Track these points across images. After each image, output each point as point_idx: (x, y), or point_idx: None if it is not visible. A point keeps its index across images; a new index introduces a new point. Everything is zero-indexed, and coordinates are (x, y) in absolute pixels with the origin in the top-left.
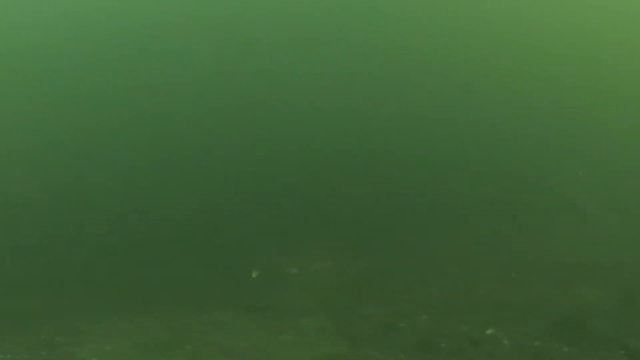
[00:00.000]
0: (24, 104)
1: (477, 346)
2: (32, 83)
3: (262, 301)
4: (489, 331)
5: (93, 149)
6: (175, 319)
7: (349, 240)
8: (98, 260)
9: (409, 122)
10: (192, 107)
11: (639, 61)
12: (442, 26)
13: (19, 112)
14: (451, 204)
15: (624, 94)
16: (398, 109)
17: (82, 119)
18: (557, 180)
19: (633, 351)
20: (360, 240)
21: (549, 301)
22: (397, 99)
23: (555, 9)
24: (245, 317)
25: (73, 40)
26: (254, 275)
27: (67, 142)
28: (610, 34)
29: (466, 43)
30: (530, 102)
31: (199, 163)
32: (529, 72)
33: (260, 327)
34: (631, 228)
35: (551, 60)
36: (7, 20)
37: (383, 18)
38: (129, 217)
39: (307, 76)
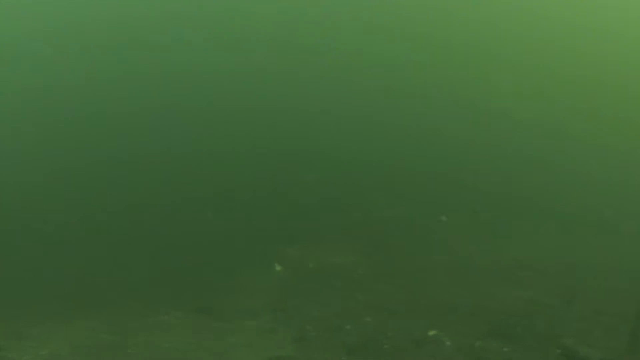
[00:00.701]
0: None
1: (420, 347)
2: None
3: (210, 303)
4: (432, 332)
5: (37, 150)
6: (118, 321)
7: (296, 242)
8: (40, 262)
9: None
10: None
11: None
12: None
13: None
14: (399, 206)
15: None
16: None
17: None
18: (505, 181)
19: (569, 350)
20: (309, 242)
21: (491, 302)
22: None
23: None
24: (192, 319)
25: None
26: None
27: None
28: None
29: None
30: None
31: (137, 164)
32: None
33: (206, 329)
34: (572, 230)
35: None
36: None
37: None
38: (71, 217)
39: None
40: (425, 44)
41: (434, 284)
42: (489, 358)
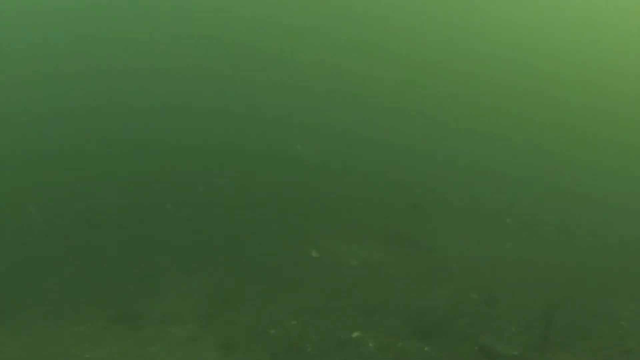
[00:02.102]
0: None
1: (343, 349)
2: None
3: (134, 310)
4: (356, 334)
5: None
6: (32, 333)
7: (223, 251)
8: None
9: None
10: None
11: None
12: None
13: None
14: (316, 211)
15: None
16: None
17: None
18: (429, 181)
19: (486, 347)
20: (234, 250)
21: (415, 302)
22: None
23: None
24: (114, 328)
25: None
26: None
27: None
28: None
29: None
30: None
31: (53, 167)
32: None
33: (129, 338)
34: (490, 233)
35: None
36: None
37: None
38: None
39: None
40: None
41: (360, 286)
42: (410, 358)
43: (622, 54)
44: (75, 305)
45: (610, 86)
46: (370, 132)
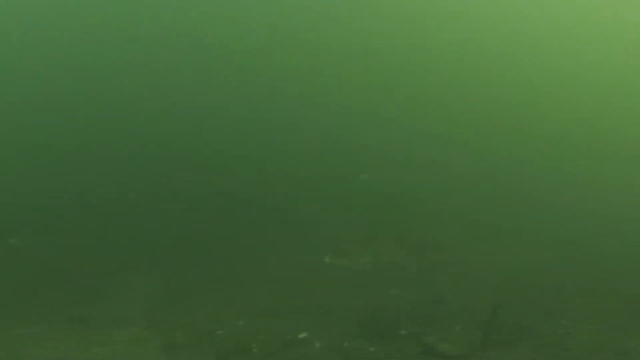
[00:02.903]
0: None
1: (289, 349)
2: None
3: (80, 312)
4: (302, 334)
5: None
6: None
7: (171, 250)
8: None
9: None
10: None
11: None
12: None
13: None
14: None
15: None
16: None
17: None
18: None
19: (429, 347)
20: (182, 249)
21: (363, 302)
22: None
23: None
24: (59, 330)
25: None
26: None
27: None
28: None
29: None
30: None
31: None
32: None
33: (74, 340)
34: (443, 228)
35: None
36: None
37: None
38: None
39: None
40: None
41: (309, 285)
42: (355, 358)
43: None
44: (20, 306)
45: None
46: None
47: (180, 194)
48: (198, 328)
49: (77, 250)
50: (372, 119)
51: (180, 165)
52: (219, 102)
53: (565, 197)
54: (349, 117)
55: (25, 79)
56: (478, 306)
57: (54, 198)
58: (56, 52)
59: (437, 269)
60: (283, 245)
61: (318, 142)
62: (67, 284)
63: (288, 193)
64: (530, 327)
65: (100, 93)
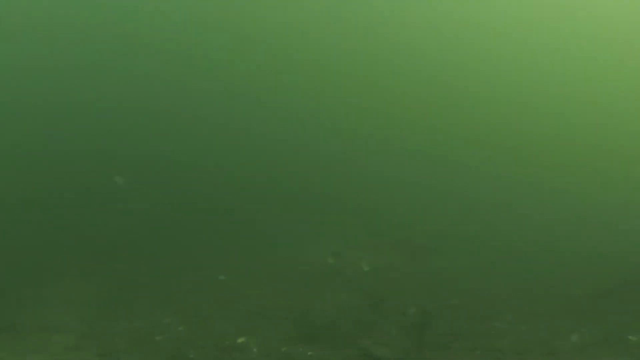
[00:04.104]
0: None
1: (226, 354)
2: None
3: (13, 319)
4: (241, 339)
5: None
6: None
7: (109, 255)
8: None
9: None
10: None
11: None
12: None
13: None
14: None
15: None
16: None
17: None
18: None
19: (366, 351)
20: (120, 254)
21: (303, 307)
22: None
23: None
24: None
25: None
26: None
27: None
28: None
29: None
30: None
31: None
32: None
33: (6, 348)
34: (378, 237)
35: None
36: None
37: None
38: None
39: None
40: None
41: (248, 290)
42: None
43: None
44: None
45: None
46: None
47: (117, 199)
48: (136, 334)
49: (9, 254)
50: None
51: (117, 171)
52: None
53: (500, 200)
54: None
55: None
56: (414, 310)
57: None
58: None
59: (376, 274)
60: (222, 249)
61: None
62: (2, 291)
63: (225, 196)
64: (465, 330)
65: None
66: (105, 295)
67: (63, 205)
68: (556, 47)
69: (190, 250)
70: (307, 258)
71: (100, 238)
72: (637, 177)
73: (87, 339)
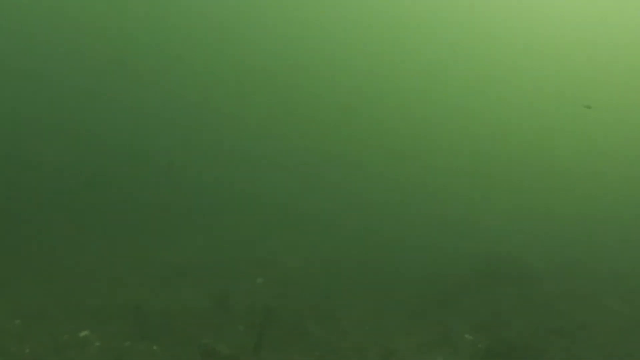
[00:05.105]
0: None
1: (66, 349)
2: None
3: None
4: (83, 333)
5: None
6: None
7: None
8: None
9: None
10: None
11: None
12: None
13: None
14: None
15: None
16: None
17: None
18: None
19: (206, 347)
20: None
21: (151, 303)
22: None
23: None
24: None
25: None
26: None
27: None
28: None
29: None
30: None
31: None
32: None
33: None
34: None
35: None
36: None
37: None
38: None
39: None
40: None
41: (91, 285)
42: (133, 357)
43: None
44: None
45: None
46: None
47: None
48: None
49: None
50: None
51: None
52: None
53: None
54: None
55: None
56: (260, 308)
57: None
58: None
59: (220, 270)
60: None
61: None
62: None
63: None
64: (307, 329)
65: None
66: None
67: None
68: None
69: (20, 243)
70: (145, 254)
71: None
72: None
73: None
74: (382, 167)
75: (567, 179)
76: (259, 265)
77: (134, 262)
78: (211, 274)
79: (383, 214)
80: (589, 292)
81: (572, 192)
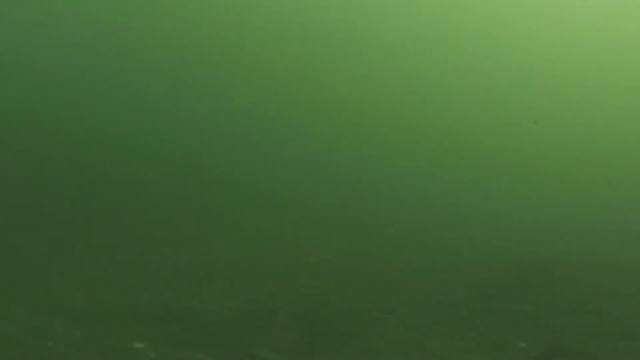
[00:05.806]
0: None
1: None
2: None
3: None
4: (138, 344)
5: None
6: None
7: None
8: None
9: None
10: None
11: None
12: None
13: None
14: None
15: None
16: None
17: None
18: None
19: (256, 355)
20: None
21: (195, 311)
22: None
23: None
24: None
25: None
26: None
27: None
28: None
29: None
30: None
31: None
32: None
33: None
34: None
35: None
36: None
37: None
38: None
39: None
40: None
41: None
42: None
43: None
44: None
45: None
46: None
47: None
48: (20, 339)
49: None
50: None
51: None
52: None
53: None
54: None
55: None
56: (307, 315)
57: None
58: None
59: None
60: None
61: None
62: None
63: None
64: (354, 334)
65: None
66: None
67: None
68: None
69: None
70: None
71: None
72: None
73: None
74: (421, 166)
75: (609, 176)
76: (303, 268)
77: (172, 265)
78: (255, 278)
79: (423, 214)
80: (631, 292)
81: (615, 187)
